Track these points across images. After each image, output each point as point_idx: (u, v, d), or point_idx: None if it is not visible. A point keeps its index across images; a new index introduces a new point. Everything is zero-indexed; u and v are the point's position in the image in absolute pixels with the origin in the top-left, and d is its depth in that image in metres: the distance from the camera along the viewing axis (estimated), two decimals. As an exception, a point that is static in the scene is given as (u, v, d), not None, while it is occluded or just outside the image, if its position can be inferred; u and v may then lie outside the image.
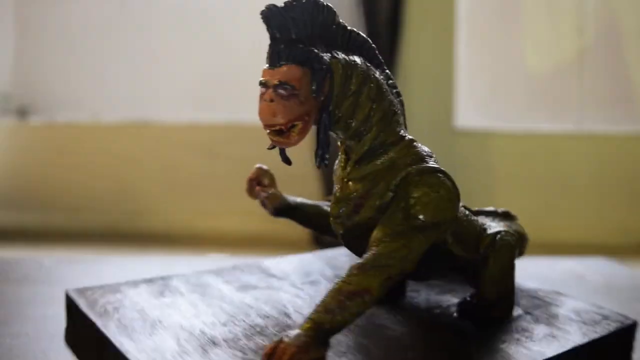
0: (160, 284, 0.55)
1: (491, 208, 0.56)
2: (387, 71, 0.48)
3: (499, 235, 0.48)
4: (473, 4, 2.02)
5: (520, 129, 2.00)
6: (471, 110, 2.03)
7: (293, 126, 0.42)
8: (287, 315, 0.48)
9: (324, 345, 0.38)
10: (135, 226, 2.00)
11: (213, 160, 2.02)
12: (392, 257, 0.40)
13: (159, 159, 2.05)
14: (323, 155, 0.44)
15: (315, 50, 0.41)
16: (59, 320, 0.58)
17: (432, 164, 0.45)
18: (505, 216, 0.56)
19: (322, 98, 0.42)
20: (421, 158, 0.45)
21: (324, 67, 0.42)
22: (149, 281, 0.56)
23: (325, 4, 0.43)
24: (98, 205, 2.04)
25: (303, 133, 0.42)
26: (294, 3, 0.41)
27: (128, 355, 0.41)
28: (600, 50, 2.03)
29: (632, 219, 1.95)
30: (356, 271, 0.40)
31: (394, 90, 0.48)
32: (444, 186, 0.43)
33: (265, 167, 0.55)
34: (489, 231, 0.49)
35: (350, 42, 0.45)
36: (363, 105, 0.44)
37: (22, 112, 2.12)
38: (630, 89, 2.05)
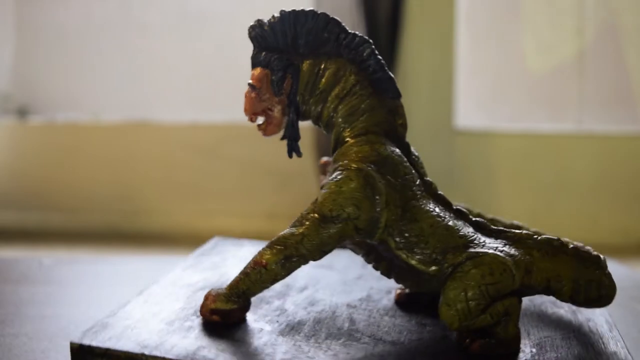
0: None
1: (525, 230, 0.47)
2: (387, 72, 0.48)
3: (474, 257, 0.44)
4: (473, 3, 2.02)
5: (520, 129, 2.00)
6: (471, 110, 2.03)
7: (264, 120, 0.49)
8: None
9: (238, 302, 0.46)
10: (135, 226, 2.00)
11: (213, 160, 2.02)
12: (288, 239, 0.45)
13: (159, 159, 2.05)
14: (291, 145, 0.49)
15: (275, 56, 0.48)
16: (59, 320, 0.58)
17: (362, 163, 0.46)
18: (545, 245, 0.46)
19: (285, 95, 0.49)
20: (360, 157, 0.47)
21: (281, 69, 0.48)
22: (255, 243, 0.68)
23: (314, 13, 0.48)
24: (98, 205, 2.04)
25: (270, 125, 0.49)
26: (277, 16, 0.48)
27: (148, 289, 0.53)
28: (600, 50, 2.03)
29: (633, 219, 1.95)
30: (267, 245, 0.45)
31: (391, 91, 0.49)
32: (350, 183, 0.45)
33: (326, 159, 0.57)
34: (473, 249, 0.45)
35: (342, 45, 0.48)
36: (330, 102, 0.49)
37: (22, 112, 2.12)
38: (630, 89, 2.05)
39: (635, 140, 1.98)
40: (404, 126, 0.50)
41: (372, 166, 0.46)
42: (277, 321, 0.47)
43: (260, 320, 0.47)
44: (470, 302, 0.42)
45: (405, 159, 0.48)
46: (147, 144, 2.06)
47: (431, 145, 1.85)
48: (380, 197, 0.45)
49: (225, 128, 2.01)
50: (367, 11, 1.86)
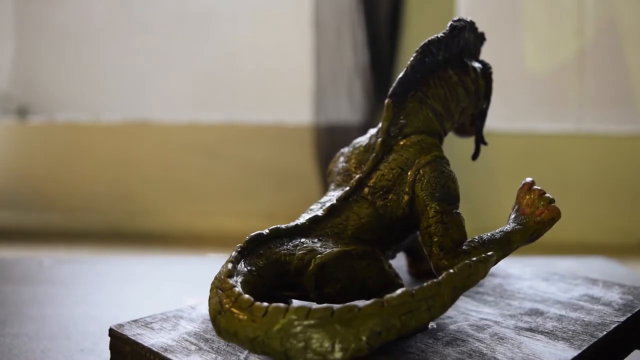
0: None
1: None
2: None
3: None
4: (473, 4, 2.02)
5: (520, 129, 2.00)
6: (471, 110, 2.03)
7: None
8: None
9: None
10: (135, 226, 2.00)
11: (213, 160, 2.02)
12: None
13: (159, 159, 2.05)
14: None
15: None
16: (59, 320, 0.58)
17: None
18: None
19: None
20: None
21: None
22: None
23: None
24: (98, 205, 2.04)
25: None
26: None
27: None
28: (600, 50, 2.03)
29: (632, 219, 1.95)
30: None
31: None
32: None
33: None
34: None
35: None
36: None
37: (22, 112, 2.12)
38: (630, 88, 2.05)
39: (635, 140, 1.98)
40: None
41: None
42: None
43: None
44: None
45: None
46: (147, 144, 2.06)
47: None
48: None
49: (225, 128, 2.01)
50: (367, 11, 1.86)
